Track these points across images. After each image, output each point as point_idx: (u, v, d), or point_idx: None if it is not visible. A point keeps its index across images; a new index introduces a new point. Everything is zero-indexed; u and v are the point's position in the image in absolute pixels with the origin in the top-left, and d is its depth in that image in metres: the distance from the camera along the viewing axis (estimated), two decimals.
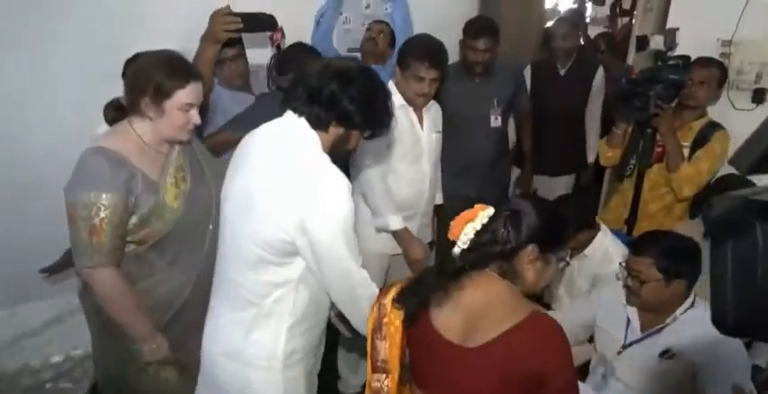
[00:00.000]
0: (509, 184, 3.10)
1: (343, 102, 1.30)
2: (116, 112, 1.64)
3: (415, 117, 2.20)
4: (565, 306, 2.13)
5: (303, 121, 1.33)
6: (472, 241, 1.17)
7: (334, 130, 1.35)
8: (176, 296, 1.60)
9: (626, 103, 2.22)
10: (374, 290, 1.39)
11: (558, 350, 1.11)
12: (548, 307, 2.31)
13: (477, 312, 1.15)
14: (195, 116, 1.52)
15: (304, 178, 1.30)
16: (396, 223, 2.11)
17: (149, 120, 1.49)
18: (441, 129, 2.34)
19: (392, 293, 1.26)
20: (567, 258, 1.95)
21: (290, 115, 1.36)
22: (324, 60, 1.49)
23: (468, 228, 1.17)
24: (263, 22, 1.84)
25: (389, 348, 1.23)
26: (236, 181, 1.40)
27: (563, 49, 3.06)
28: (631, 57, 2.71)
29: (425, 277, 1.26)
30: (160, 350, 1.58)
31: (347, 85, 1.30)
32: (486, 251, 1.16)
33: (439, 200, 2.58)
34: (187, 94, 1.47)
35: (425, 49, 2.06)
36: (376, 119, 1.38)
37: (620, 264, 1.72)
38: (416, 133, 2.21)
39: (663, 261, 1.56)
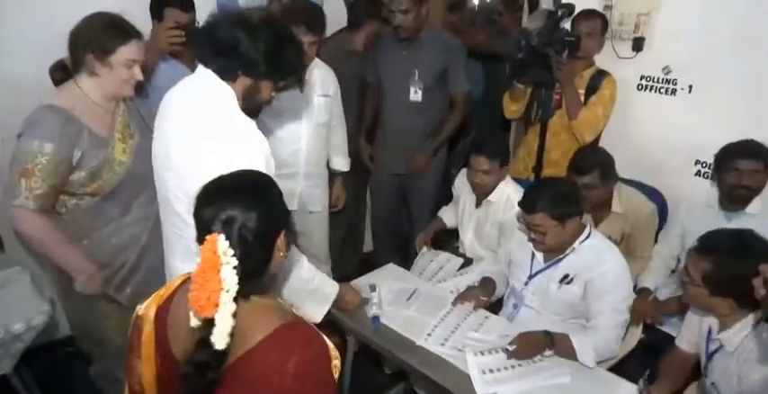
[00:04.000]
0: (447, 170, 2.90)
1: (248, 51, 1.29)
2: (62, 73, 1.70)
3: None
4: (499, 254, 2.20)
5: (212, 74, 1.34)
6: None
7: (243, 81, 1.35)
8: (134, 242, 1.72)
9: (529, 67, 2.33)
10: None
11: (299, 365, 0.92)
12: (463, 256, 2.44)
13: (235, 337, 0.92)
14: (138, 72, 1.62)
15: (220, 137, 1.31)
16: None
17: (95, 77, 1.59)
18: (332, 93, 2.36)
19: (151, 303, 1.06)
20: (474, 205, 2.02)
21: (201, 69, 1.36)
22: (231, 11, 1.45)
23: (225, 271, 0.91)
24: None
25: (145, 371, 1.04)
26: (157, 140, 1.45)
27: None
28: (525, 18, 2.83)
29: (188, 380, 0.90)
30: (93, 281, 1.65)
31: (251, 34, 1.29)
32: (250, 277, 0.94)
33: (343, 166, 2.59)
34: (129, 50, 1.58)
35: (302, 14, 2.10)
36: (283, 68, 1.35)
37: (517, 219, 1.89)
38: (293, 94, 2.16)
39: (553, 210, 1.71)
